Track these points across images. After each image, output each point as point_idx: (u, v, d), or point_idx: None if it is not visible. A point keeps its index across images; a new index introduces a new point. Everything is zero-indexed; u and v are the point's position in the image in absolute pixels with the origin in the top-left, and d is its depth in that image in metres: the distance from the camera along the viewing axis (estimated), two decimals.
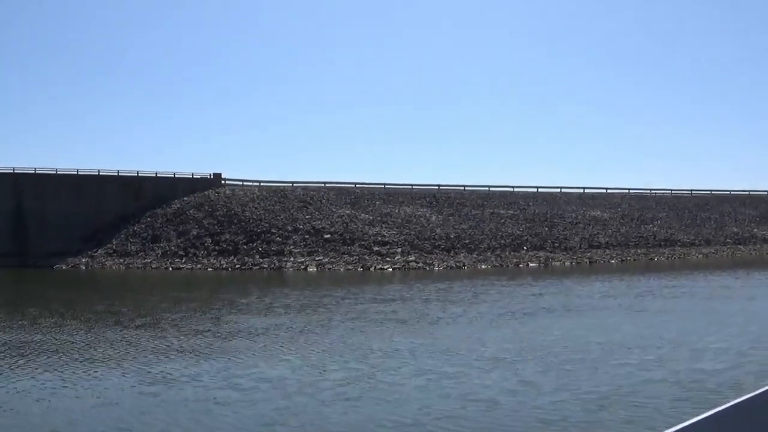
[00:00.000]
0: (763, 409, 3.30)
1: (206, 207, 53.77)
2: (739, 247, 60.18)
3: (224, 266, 46.16)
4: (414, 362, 14.72)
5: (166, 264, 47.98)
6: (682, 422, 3.01)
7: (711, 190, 73.22)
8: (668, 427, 2.95)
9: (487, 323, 20.89)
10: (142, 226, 54.12)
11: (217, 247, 49.28)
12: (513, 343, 17.06)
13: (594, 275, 39.79)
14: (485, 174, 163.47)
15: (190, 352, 16.38)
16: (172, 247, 50.54)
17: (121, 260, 50.02)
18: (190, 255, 49.17)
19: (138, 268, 48.08)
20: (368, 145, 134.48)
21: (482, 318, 21.92)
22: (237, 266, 45.82)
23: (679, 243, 57.93)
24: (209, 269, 45.95)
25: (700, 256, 55.43)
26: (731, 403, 3.25)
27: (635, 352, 15.64)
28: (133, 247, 52.15)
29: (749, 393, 3.36)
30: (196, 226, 51.86)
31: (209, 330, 20.12)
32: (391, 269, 42.52)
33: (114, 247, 52.69)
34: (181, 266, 47.21)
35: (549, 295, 28.48)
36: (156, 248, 51.05)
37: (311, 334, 19.08)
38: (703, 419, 3.06)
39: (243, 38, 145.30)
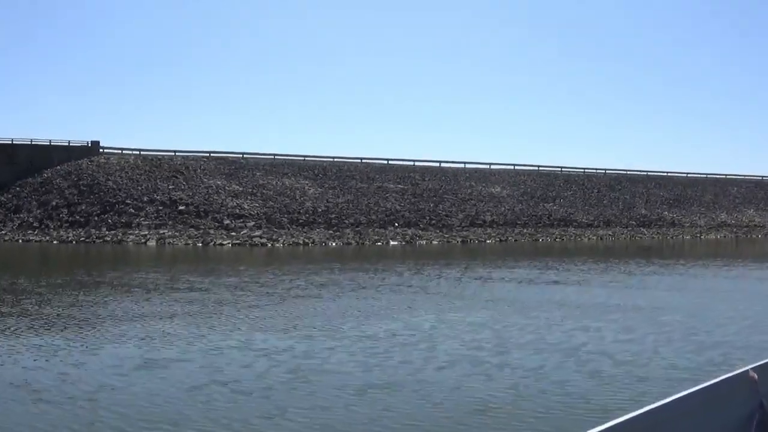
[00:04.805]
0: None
1: (73, 176, 51.46)
2: (642, 229, 57.63)
3: (70, 239, 43.91)
4: None
5: (18, 236, 45.73)
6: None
7: (626, 170, 70.48)
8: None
9: None
10: (10, 195, 51.92)
11: (70, 219, 47.08)
12: None
13: (394, 261, 31.64)
14: (389, 147, 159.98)
15: None
16: (30, 218, 48.35)
17: None
18: (44, 226, 46.97)
19: None
20: (258, 112, 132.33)
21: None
22: (82, 239, 43.58)
23: (574, 224, 55.44)
24: (55, 242, 43.69)
25: (595, 238, 52.88)
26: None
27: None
28: None
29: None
30: (58, 196, 49.62)
31: None
32: (230, 245, 40.15)
33: None
34: (32, 238, 44.94)
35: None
36: (15, 219, 48.88)
37: None
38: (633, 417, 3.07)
39: (132, 7, 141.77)
